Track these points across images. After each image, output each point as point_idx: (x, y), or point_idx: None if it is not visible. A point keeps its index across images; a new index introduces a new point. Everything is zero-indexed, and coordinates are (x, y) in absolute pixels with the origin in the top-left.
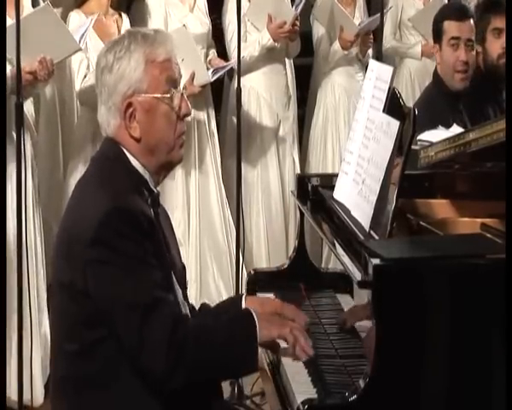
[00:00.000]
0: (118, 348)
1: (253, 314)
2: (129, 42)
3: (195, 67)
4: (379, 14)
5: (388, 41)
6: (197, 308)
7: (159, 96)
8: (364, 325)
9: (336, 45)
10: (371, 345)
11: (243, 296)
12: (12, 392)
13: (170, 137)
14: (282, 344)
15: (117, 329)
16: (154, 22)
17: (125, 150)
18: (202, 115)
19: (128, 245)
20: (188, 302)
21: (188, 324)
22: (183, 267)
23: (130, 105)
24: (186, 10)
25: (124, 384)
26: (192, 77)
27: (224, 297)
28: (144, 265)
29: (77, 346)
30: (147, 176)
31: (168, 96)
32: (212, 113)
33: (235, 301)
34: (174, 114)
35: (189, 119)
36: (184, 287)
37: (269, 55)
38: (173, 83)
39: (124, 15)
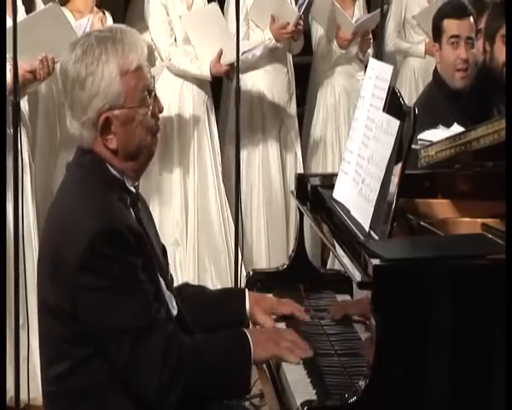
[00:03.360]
0: (106, 364)
1: (249, 338)
2: (99, 51)
3: (224, 45)
4: (375, 12)
5: (392, 39)
6: (193, 287)
7: (136, 108)
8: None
9: (335, 44)
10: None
11: (246, 293)
12: (10, 391)
13: (147, 141)
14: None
15: (108, 351)
16: (156, 18)
17: (100, 158)
18: (202, 114)
19: (116, 267)
20: (172, 288)
21: (181, 344)
22: (164, 250)
23: (106, 119)
24: (184, 8)
25: (114, 398)
26: (219, 55)
27: None
28: (134, 284)
29: (66, 363)
30: (124, 178)
31: (145, 106)
32: (212, 112)
33: (237, 296)
34: (149, 118)
35: (187, 115)
36: (167, 272)
37: (271, 55)
38: (148, 88)
39: (107, 14)
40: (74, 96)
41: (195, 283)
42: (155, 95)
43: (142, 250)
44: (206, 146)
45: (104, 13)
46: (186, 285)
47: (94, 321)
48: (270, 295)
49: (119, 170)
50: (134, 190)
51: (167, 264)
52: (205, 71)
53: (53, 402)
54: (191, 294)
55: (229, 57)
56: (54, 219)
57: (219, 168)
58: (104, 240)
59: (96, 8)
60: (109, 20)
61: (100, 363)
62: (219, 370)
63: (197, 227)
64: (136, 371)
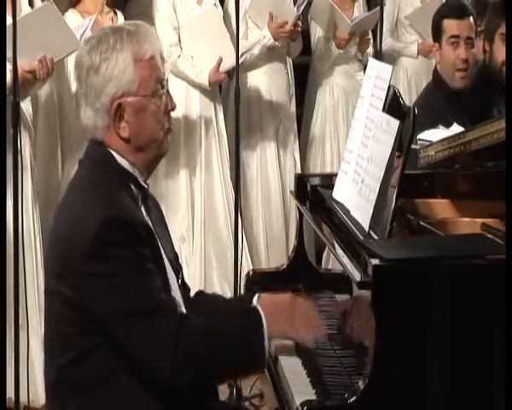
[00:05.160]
0: (113, 353)
1: (261, 313)
2: (114, 40)
3: (223, 52)
4: (373, 12)
5: (384, 39)
6: (197, 293)
7: (149, 97)
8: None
9: (333, 44)
10: (370, 345)
11: (255, 297)
12: (11, 393)
13: (159, 134)
14: None
15: (118, 337)
16: (162, 15)
17: (112, 151)
18: (209, 114)
19: (125, 254)
20: (183, 289)
21: (193, 324)
22: (176, 256)
23: (119, 106)
24: (193, 2)
25: (120, 387)
26: (218, 64)
27: (229, 295)
28: (143, 271)
29: (72, 353)
30: (136, 173)
31: (158, 96)
32: (221, 111)
33: (246, 302)
34: (162, 112)
35: (194, 116)
36: (178, 277)
37: (270, 55)
38: (161, 82)
39: (119, 13)
40: (89, 83)
41: (201, 278)
42: (168, 91)
43: (150, 242)
44: (213, 145)
45: (115, 13)
46: (200, 293)
47: (103, 307)
48: (287, 296)
49: (131, 163)
50: (146, 186)
51: (180, 270)
52: (203, 79)
53: (56, 394)
54: (205, 303)
55: (228, 64)
56: (62, 213)
57: (227, 165)
58: (112, 228)
59: (106, 8)
60: (120, 20)
61: (104, 353)
62: (232, 347)
63: (204, 226)
64: (147, 353)
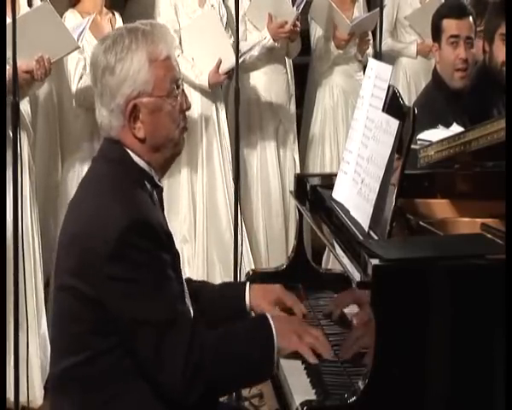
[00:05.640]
0: (126, 355)
1: (272, 325)
2: (129, 41)
3: (223, 53)
4: (373, 12)
5: (384, 39)
6: (195, 282)
7: (164, 97)
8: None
9: (333, 44)
10: (370, 345)
11: (247, 286)
12: (10, 393)
13: (175, 134)
14: None
15: (132, 341)
16: (163, 16)
17: (128, 150)
18: (211, 114)
19: (146, 259)
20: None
21: (204, 339)
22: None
23: (134, 107)
24: (195, 5)
25: (129, 388)
26: (218, 65)
27: None
28: (163, 278)
29: (84, 352)
30: (152, 172)
31: (173, 96)
32: (222, 110)
33: (237, 290)
34: (177, 112)
35: (195, 115)
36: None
37: (269, 56)
38: (176, 82)
39: (117, 14)
40: (104, 83)
41: (204, 279)
42: (183, 90)
43: (170, 246)
44: (214, 144)
45: (114, 14)
46: (189, 281)
47: (121, 312)
48: (277, 285)
49: (146, 162)
50: (161, 185)
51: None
52: (203, 81)
53: (64, 390)
54: (193, 290)
55: (227, 65)
56: (78, 210)
57: (228, 165)
58: (136, 231)
59: (105, 9)
60: (119, 21)
61: (117, 355)
62: (243, 362)
63: (206, 226)
64: (160, 364)
